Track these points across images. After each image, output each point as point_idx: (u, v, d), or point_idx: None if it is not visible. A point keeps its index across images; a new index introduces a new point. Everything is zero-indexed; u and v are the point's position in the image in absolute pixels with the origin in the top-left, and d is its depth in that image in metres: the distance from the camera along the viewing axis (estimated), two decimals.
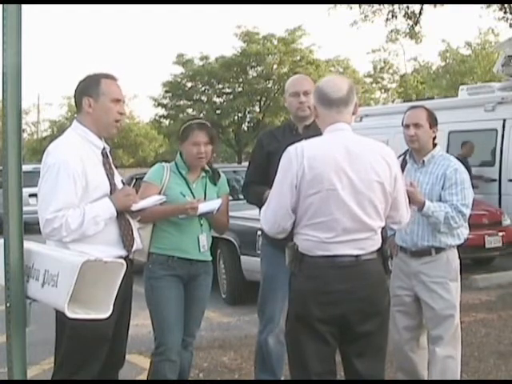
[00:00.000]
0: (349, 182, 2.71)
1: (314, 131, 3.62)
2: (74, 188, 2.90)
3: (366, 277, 2.78)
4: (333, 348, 2.81)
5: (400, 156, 4.00)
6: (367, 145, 2.85)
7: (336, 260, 2.73)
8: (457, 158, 4.00)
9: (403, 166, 3.91)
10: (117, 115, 3.10)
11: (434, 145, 3.84)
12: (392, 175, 2.81)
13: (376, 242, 2.83)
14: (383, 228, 2.89)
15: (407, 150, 4.04)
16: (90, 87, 3.09)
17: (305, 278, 2.79)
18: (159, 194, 3.59)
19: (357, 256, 2.76)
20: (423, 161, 3.80)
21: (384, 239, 2.93)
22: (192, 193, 3.69)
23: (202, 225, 3.71)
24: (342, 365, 2.90)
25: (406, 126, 3.81)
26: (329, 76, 3.12)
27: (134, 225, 3.20)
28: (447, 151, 9.95)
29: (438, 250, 3.73)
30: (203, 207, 3.53)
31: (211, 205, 3.58)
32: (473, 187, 3.84)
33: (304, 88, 3.84)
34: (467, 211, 3.66)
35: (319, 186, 2.69)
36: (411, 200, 3.49)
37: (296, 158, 2.73)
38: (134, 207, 3.13)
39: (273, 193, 2.83)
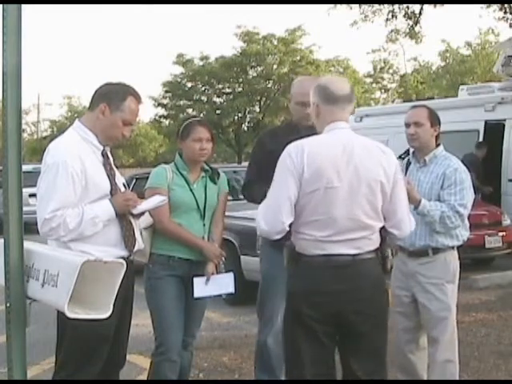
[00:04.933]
0: (347, 181, 2.70)
1: (316, 132, 3.62)
2: (72, 187, 2.89)
3: (363, 277, 2.77)
4: (329, 350, 2.79)
5: (401, 156, 4.00)
6: (366, 144, 2.84)
7: (332, 259, 2.72)
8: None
9: (408, 167, 3.91)
10: (119, 135, 3.09)
11: (438, 144, 3.83)
12: (391, 175, 2.79)
13: (374, 242, 2.82)
14: (383, 227, 2.86)
15: (407, 149, 4.03)
16: (114, 96, 3.04)
17: (300, 277, 2.78)
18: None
19: (353, 255, 2.74)
20: (424, 160, 3.79)
21: (384, 239, 2.89)
22: (193, 193, 3.68)
23: (204, 225, 3.71)
24: (341, 364, 2.89)
25: (407, 125, 3.81)
26: (328, 76, 3.11)
27: (136, 225, 3.20)
28: None
29: (436, 250, 3.71)
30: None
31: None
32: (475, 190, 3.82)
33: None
34: (465, 211, 3.63)
35: (318, 184, 2.68)
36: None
37: (296, 155, 2.71)
38: (136, 210, 3.12)
39: (273, 190, 2.78)
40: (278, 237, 2.79)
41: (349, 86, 2.88)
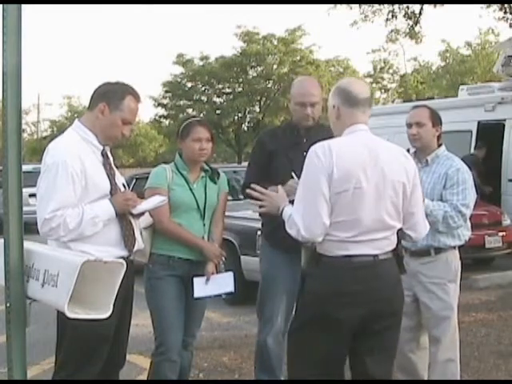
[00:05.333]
0: (374, 182, 2.71)
1: (315, 133, 3.62)
2: (72, 187, 2.89)
3: (383, 277, 2.77)
4: (344, 350, 2.79)
5: None
6: (388, 146, 2.87)
7: (354, 260, 2.71)
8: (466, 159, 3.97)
9: None
10: (119, 134, 3.09)
11: (440, 144, 3.84)
12: (411, 177, 2.81)
13: (392, 242, 2.82)
14: (399, 229, 2.86)
15: (407, 149, 4.03)
16: (113, 95, 3.04)
17: (322, 279, 2.75)
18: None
19: (374, 256, 2.74)
20: (427, 160, 3.80)
21: (399, 239, 2.89)
22: (193, 193, 3.68)
23: (204, 225, 3.71)
24: (350, 363, 2.89)
25: (409, 125, 3.83)
26: (349, 78, 3.11)
27: (136, 225, 3.20)
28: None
29: (438, 250, 3.73)
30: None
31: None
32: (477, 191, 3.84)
33: (312, 100, 3.77)
34: (467, 211, 3.65)
35: (347, 185, 2.67)
36: None
37: (324, 155, 2.68)
38: (136, 210, 3.12)
39: (305, 192, 2.72)
40: (320, 239, 2.73)
41: (368, 89, 2.92)
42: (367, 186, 2.69)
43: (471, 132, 10.38)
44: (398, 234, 2.86)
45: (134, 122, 3.16)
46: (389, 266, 2.81)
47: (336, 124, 2.91)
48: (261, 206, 3.05)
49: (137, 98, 3.11)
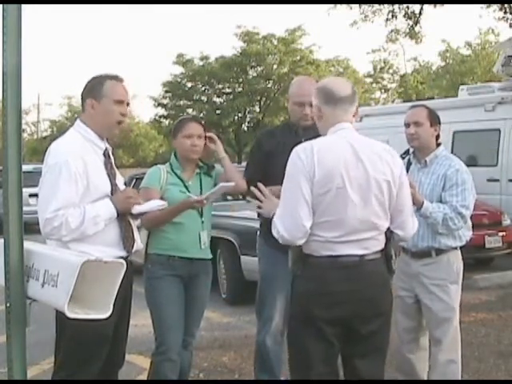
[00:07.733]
0: (357, 181, 2.69)
1: (313, 132, 3.61)
2: (74, 187, 2.90)
3: (370, 277, 2.75)
4: (336, 349, 2.79)
5: (401, 156, 3.99)
6: (372, 145, 2.83)
7: (340, 260, 2.70)
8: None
9: (407, 167, 3.90)
10: (119, 116, 3.09)
11: (438, 144, 3.83)
12: (397, 176, 2.78)
13: (380, 242, 2.81)
14: (388, 228, 2.85)
15: (407, 149, 4.03)
16: (94, 88, 3.08)
17: (308, 279, 2.75)
18: (160, 197, 3.56)
19: (361, 256, 2.73)
20: (425, 161, 3.79)
21: (388, 239, 2.87)
22: (188, 191, 3.67)
23: (203, 222, 3.71)
24: (342, 365, 2.89)
25: (407, 125, 3.81)
26: (329, 77, 3.08)
27: (135, 225, 3.20)
28: (452, 151, 10.00)
29: (439, 251, 3.71)
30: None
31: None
32: None
33: (311, 99, 3.79)
34: (467, 213, 3.63)
35: (329, 185, 2.66)
36: None
37: (306, 156, 2.68)
38: (135, 211, 3.12)
39: (286, 194, 2.73)
40: (302, 242, 2.72)
41: (350, 86, 2.86)
42: (350, 186, 2.67)
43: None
44: (386, 233, 2.85)
45: (126, 100, 3.14)
46: (376, 266, 2.79)
47: (319, 124, 2.91)
48: (259, 207, 3.05)
49: (116, 79, 3.13)
